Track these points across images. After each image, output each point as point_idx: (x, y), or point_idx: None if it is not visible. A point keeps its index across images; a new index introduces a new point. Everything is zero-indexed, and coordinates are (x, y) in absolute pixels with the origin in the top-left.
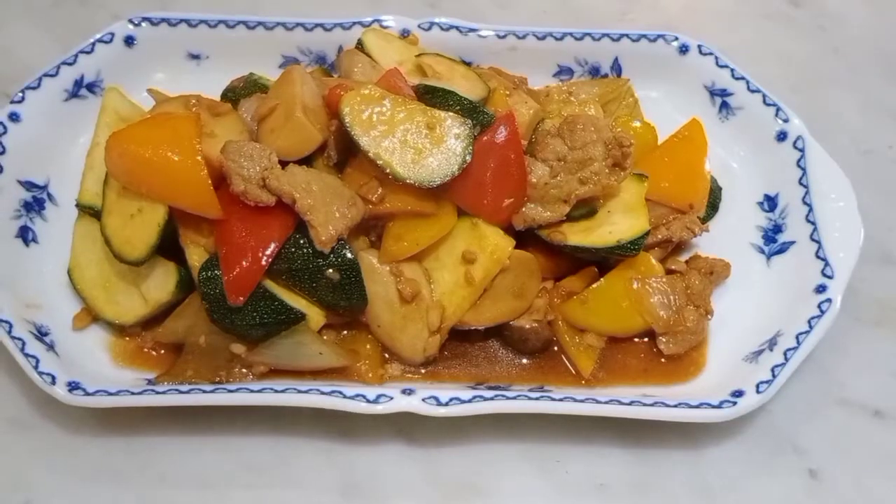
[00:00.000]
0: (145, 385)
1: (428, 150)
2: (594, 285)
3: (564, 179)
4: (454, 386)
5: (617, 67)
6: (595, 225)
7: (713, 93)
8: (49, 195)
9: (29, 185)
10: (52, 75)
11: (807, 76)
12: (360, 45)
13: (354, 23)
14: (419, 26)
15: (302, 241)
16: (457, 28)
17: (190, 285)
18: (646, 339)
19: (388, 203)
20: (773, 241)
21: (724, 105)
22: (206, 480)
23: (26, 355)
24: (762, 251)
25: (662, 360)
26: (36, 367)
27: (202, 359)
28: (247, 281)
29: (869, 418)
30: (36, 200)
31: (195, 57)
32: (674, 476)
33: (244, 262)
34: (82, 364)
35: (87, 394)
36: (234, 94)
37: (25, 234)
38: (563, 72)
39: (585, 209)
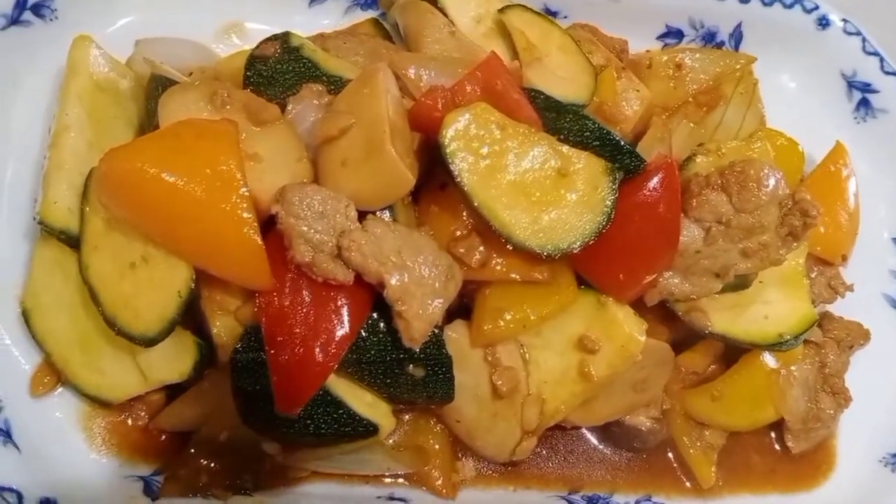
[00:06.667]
0: (138, 484)
1: (556, 203)
2: (728, 376)
3: (722, 248)
4: (543, 495)
5: (737, 36)
6: (745, 301)
7: (852, 84)
8: None
9: None
10: None
11: None
12: None
13: None
14: None
15: (380, 326)
16: None
17: (210, 359)
18: (768, 429)
19: (490, 269)
20: None
21: (864, 103)
22: None
23: None
24: None
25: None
26: None
27: (219, 457)
28: (307, 386)
29: None
30: None
31: None
32: None
33: (304, 360)
34: (48, 454)
35: None
36: (266, 69)
37: None
38: (671, 34)
39: (736, 281)
